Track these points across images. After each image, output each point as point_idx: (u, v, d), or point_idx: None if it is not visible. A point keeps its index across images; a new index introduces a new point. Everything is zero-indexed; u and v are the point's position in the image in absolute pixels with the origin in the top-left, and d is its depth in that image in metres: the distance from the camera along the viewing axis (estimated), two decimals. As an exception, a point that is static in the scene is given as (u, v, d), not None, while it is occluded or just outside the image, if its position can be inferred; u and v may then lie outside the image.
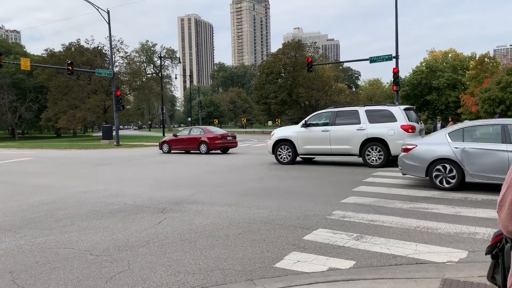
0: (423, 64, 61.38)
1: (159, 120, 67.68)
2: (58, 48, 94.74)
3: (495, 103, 34.28)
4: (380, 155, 13.31)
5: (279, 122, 74.31)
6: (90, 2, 31.16)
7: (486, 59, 48.16)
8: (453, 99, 54.47)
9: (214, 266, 4.43)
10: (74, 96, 59.29)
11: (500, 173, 7.76)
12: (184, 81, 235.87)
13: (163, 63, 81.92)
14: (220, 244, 5.22)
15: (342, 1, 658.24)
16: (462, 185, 8.52)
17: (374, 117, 13.55)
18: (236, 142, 23.37)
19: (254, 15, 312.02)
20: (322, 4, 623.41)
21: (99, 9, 31.85)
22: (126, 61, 65.00)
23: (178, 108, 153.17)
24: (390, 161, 13.74)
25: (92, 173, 14.30)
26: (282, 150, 15.15)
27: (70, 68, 29.88)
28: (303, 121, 15.06)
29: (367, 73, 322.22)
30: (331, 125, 14.17)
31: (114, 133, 35.09)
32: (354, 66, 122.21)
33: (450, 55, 63.13)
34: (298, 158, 15.33)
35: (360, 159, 13.94)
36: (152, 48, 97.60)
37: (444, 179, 8.66)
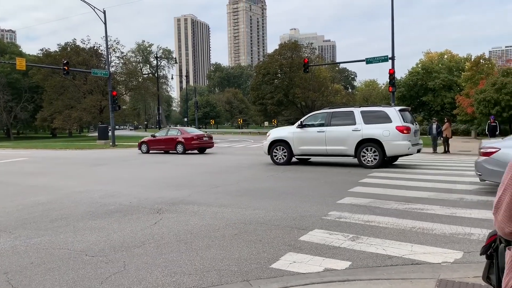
0: (419, 65, 61.60)
1: (155, 120, 67.60)
2: (53, 48, 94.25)
3: (490, 104, 34.41)
4: (375, 155, 13.34)
5: (275, 122, 74.41)
6: (86, 2, 31.08)
7: (481, 60, 48.34)
8: (449, 100, 54.69)
9: (210, 267, 4.42)
10: (70, 96, 59.14)
11: None
12: (181, 82, 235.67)
13: (159, 63, 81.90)
14: (216, 244, 5.22)
15: (338, 2, 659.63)
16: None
17: (369, 118, 13.59)
18: (212, 142, 24.00)
19: (250, 16, 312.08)
20: (318, 5, 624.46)
21: (95, 9, 31.78)
22: (122, 61, 64.98)
23: (174, 109, 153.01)
24: (385, 161, 13.80)
25: (87, 174, 14.26)
26: (277, 150, 15.16)
27: (66, 68, 29.80)
28: (299, 122, 15.08)
29: (363, 74, 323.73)
30: (327, 125, 14.19)
31: (110, 133, 35.03)
32: (350, 67, 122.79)
33: (445, 56, 63.39)
34: (293, 159, 15.35)
35: (355, 160, 13.97)
36: (148, 48, 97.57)
37: None
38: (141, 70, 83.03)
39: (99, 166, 16.79)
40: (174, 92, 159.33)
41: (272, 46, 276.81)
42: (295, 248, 4.97)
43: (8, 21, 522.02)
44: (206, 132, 28.05)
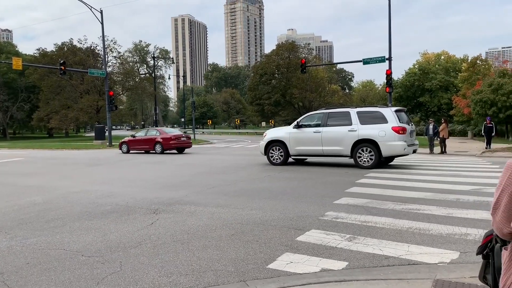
0: (416, 66, 61.83)
1: (152, 120, 67.47)
2: (50, 47, 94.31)
3: (487, 105, 34.53)
4: (371, 156, 13.36)
5: (272, 123, 74.37)
6: (83, 2, 31.00)
7: (478, 61, 48.56)
8: (446, 101, 54.90)
9: (206, 267, 4.41)
10: (67, 96, 58.97)
11: None
12: (178, 82, 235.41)
13: (156, 63, 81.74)
14: (213, 245, 5.21)
15: (336, 3, 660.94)
16: None
17: (365, 119, 13.61)
18: (190, 142, 24.99)
19: (248, 16, 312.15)
20: (316, 6, 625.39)
21: (92, 9, 31.71)
22: (119, 61, 64.88)
23: (171, 109, 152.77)
24: (382, 162, 13.81)
25: (84, 174, 14.22)
26: (274, 151, 15.16)
27: (63, 68, 29.72)
28: (295, 122, 15.09)
29: (361, 75, 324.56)
30: (323, 126, 14.20)
31: (106, 133, 34.93)
32: (347, 67, 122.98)
33: (442, 57, 63.66)
34: (290, 159, 15.35)
35: (351, 160, 13.98)
36: (145, 48, 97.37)
37: None
38: (138, 70, 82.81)
39: (96, 166, 16.75)
40: (171, 92, 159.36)
41: (269, 46, 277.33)
42: (292, 249, 4.97)
43: (5, 20, 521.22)
44: (185, 132, 29.56)
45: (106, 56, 48.77)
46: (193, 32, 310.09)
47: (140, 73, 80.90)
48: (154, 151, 23.46)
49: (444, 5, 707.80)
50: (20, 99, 66.67)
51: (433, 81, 56.55)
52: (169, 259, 4.71)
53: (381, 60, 27.47)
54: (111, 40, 62.76)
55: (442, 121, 22.97)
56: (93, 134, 45.59)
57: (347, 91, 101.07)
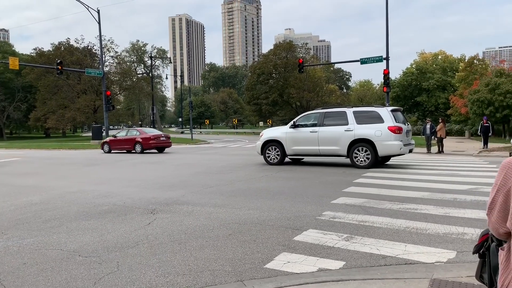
0: (413, 66, 61.93)
1: (150, 120, 67.40)
2: (47, 47, 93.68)
3: (484, 104, 34.62)
4: (367, 155, 13.38)
5: (270, 122, 74.45)
6: (80, 1, 30.94)
7: (475, 61, 48.66)
8: (443, 101, 55.02)
9: (204, 267, 4.41)
10: (64, 96, 58.82)
11: None
12: (175, 81, 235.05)
13: (153, 63, 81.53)
14: (210, 245, 5.20)
15: (333, 3, 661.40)
16: None
17: (361, 118, 13.63)
18: (170, 142, 25.66)
19: (245, 16, 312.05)
20: (313, 6, 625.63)
21: (89, 8, 31.65)
22: (116, 60, 64.79)
23: (168, 109, 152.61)
24: (378, 162, 13.83)
25: (81, 174, 14.19)
26: (271, 150, 15.16)
27: (60, 67, 29.64)
28: (292, 122, 15.09)
29: (358, 75, 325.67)
30: (320, 126, 14.21)
31: (104, 133, 34.88)
32: (345, 67, 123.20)
33: (440, 57, 63.76)
34: (286, 159, 15.35)
35: (348, 160, 14.00)
36: (142, 48, 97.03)
37: None
38: (135, 69, 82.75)
39: (93, 166, 16.71)
40: (168, 92, 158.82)
41: (267, 46, 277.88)
42: (289, 248, 4.97)
43: (1, 20, 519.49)
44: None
45: (103, 55, 48.63)
46: (190, 32, 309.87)
47: (138, 73, 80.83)
48: (134, 151, 24.05)
49: (442, 5, 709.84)
50: (17, 99, 66.48)
51: (430, 81, 56.67)
52: (166, 259, 4.71)
53: (379, 59, 27.51)
54: (108, 40, 62.79)
55: (440, 121, 23.02)
56: (90, 134, 45.51)
57: (345, 90, 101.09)
